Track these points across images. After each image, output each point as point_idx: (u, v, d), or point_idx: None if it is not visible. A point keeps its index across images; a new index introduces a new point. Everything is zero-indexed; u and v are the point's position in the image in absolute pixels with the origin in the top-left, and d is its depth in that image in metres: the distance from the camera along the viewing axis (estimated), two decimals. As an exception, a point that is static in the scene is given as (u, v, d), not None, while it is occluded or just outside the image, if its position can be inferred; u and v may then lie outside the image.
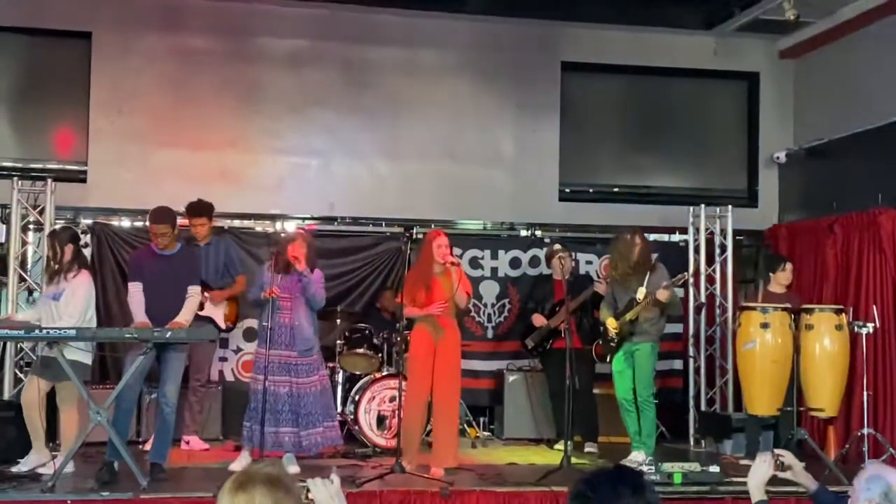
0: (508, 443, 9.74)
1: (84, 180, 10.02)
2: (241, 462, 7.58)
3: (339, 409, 9.14)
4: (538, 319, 9.57)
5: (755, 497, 3.96)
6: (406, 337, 8.27)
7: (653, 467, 7.23)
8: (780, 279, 9.10)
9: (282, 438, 7.57)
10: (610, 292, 8.76)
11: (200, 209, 8.99)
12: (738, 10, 10.34)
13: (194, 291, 7.58)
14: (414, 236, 9.48)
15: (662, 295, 8.31)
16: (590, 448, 9.24)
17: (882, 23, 9.63)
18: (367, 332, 9.36)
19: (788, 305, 8.66)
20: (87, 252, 9.09)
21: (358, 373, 9.22)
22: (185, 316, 7.42)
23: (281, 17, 10.41)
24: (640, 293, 8.35)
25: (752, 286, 10.71)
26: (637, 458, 8.30)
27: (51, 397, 7.48)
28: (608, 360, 8.67)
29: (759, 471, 4.01)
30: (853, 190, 9.80)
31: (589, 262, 10.55)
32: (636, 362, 8.45)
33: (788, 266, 9.15)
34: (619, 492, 2.73)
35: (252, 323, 9.38)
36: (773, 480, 4.07)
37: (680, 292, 10.16)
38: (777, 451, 4.12)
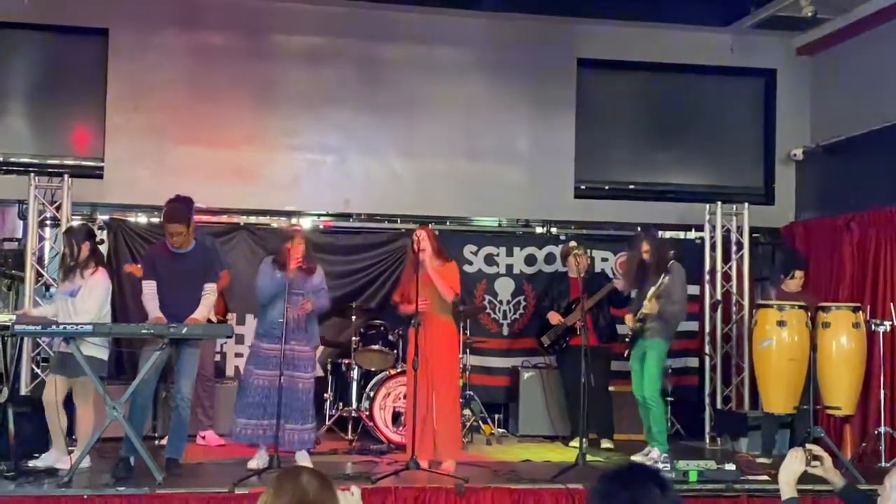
0: (523, 440, 9.74)
1: (101, 176, 10.05)
2: (258, 459, 7.60)
3: (355, 406, 9.16)
4: (554, 317, 9.58)
5: (785, 494, 3.84)
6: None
7: (668, 465, 7.22)
8: (791, 286, 9.09)
9: (270, 432, 7.55)
10: (636, 292, 8.80)
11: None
12: (754, 6, 10.29)
13: (211, 289, 7.59)
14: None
15: (647, 307, 8.35)
16: (605, 445, 9.24)
17: (900, 20, 9.59)
18: (382, 328, 9.38)
19: (803, 303, 8.65)
20: (103, 248, 9.11)
21: (373, 369, 9.23)
22: (201, 312, 7.44)
23: (297, 14, 10.42)
24: (645, 307, 8.39)
25: (767, 284, 10.70)
26: (652, 455, 8.32)
27: (68, 393, 7.51)
28: (626, 356, 8.74)
29: (791, 466, 3.88)
30: (870, 187, 9.75)
31: (604, 260, 10.55)
32: (645, 359, 8.48)
33: (798, 274, 9.10)
34: (649, 489, 2.72)
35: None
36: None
37: (695, 289, 10.18)
38: (809, 446, 4.02)
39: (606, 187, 11.12)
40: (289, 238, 7.84)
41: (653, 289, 8.38)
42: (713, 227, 10.44)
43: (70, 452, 7.25)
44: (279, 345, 7.55)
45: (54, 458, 7.34)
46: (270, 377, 7.60)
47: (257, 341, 7.89)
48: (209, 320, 7.91)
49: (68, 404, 7.53)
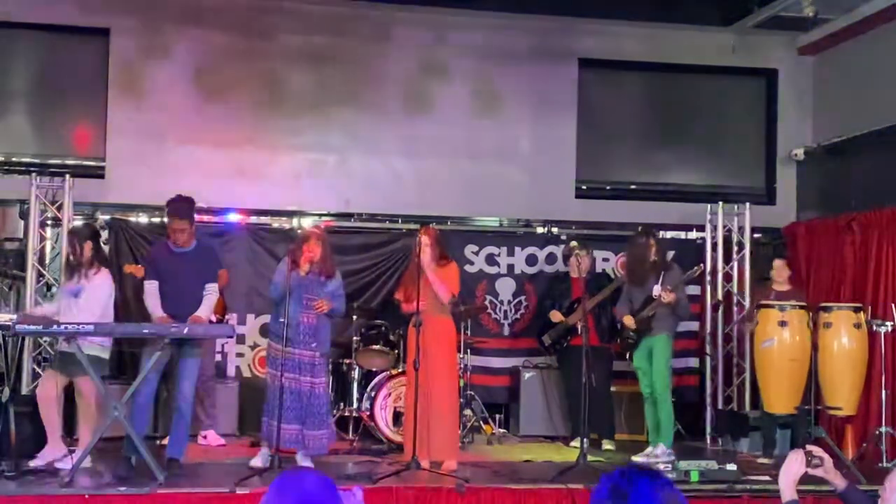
0: (524, 440, 9.74)
1: (102, 176, 10.05)
2: (260, 458, 7.61)
3: (355, 406, 9.16)
4: (556, 315, 9.59)
5: (786, 496, 3.81)
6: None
7: (670, 465, 7.22)
8: (774, 276, 9.12)
9: (294, 435, 7.57)
10: (626, 292, 8.85)
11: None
12: (756, 6, 10.30)
13: (213, 289, 7.61)
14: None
15: (666, 298, 8.45)
16: (607, 445, 9.24)
17: (902, 19, 9.58)
18: (383, 328, 9.37)
19: (804, 303, 8.67)
20: (104, 248, 9.12)
21: (374, 369, 9.22)
22: (204, 312, 7.46)
23: (300, 13, 10.42)
24: (656, 290, 8.47)
25: (763, 283, 10.75)
26: (657, 451, 8.36)
27: (69, 392, 7.52)
28: (627, 356, 8.76)
29: (791, 468, 3.84)
30: (872, 187, 9.76)
31: (605, 260, 10.53)
32: (653, 355, 8.51)
33: (776, 263, 9.16)
34: (654, 485, 2.72)
35: (267, 319, 9.36)
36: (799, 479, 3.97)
37: (696, 289, 10.20)
38: (809, 447, 4.00)
39: (607, 187, 11.12)
40: (306, 238, 7.82)
41: (657, 286, 8.46)
42: (714, 228, 10.43)
43: (71, 452, 7.25)
44: (294, 348, 7.57)
45: (51, 454, 7.35)
46: (286, 379, 7.58)
47: (271, 342, 7.88)
48: (209, 320, 7.91)
49: (68, 403, 7.52)
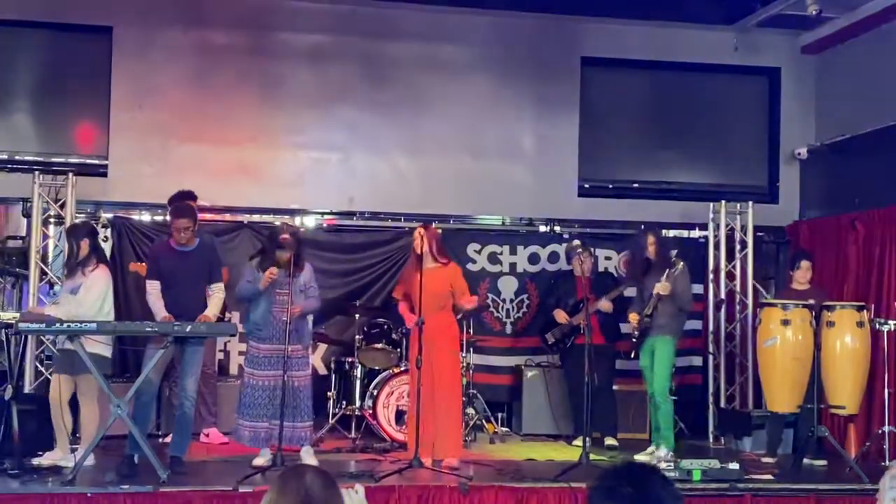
0: (527, 439, 9.73)
1: (105, 174, 10.05)
2: (263, 457, 7.60)
3: (358, 404, 9.16)
4: (560, 315, 9.57)
5: None
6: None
7: (672, 464, 7.22)
8: (798, 277, 9.08)
9: (265, 432, 7.58)
10: (638, 292, 8.86)
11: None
12: (759, 5, 10.29)
13: (219, 288, 7.63)
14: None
15: (660, 288, 8.42)
16: (609, 444, 9.23)
17: (905, 18, 9.57)
18: (385, 327, 9.37)
19: (811, 302, 8.64)
20: (107, 246, 9.13)
21: (376, 367, 9.22)
22: (212, 311, 7.48)
23: (302, 12, 10.42)
24: (656, 288, 8.44)
25: (774, 283, 10.71)
26: (659, 454, 8.35)
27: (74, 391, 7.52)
28: (634, 355, 8.76)
29: None
30: (875, 186, 9.74)
31: (608, 258, 10.53)
32: (654, 357, 8.50)
33: (804, 264, 9.10)
34: (651, 482, 2.72)
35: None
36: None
37: (699, 288, 10.18)
38: None
39: (610, 186, 11.11)
40: (279, 236, 7.78)
41: (657, 284, 8.45)
42: (717, 226, 10.42)
43: (74, 450, 7.25)
44: (266, 345, 7.62)
45: (57, 456, 7.35)
46: (261, 377, 7.62)
47: (248, 340, 7.91)
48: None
49: (73, 403, 7.53)
